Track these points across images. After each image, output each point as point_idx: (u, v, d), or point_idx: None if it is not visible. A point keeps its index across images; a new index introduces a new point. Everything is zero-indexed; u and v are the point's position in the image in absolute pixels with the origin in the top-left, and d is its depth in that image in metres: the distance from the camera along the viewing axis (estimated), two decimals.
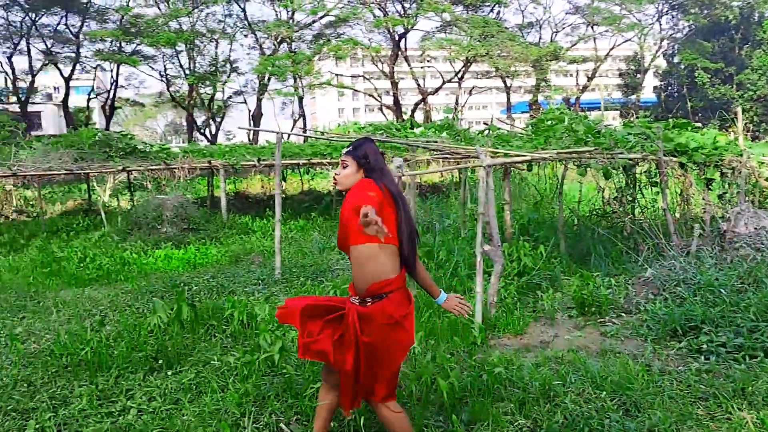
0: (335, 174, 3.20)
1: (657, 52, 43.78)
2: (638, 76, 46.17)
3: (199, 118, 42.15)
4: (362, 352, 2.97)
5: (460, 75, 38.58)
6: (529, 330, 5.65)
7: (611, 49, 41.66)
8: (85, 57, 36.48)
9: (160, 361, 4.86)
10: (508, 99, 43.44)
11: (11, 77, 36.39)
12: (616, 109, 42.60)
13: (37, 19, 33.28)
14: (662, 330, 5.19)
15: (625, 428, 3.41)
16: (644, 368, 4.18)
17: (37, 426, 3.91)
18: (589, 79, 41.71)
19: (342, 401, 3.12)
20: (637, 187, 8.47)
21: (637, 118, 11.60)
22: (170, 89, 38.43)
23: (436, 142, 8.28)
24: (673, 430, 3.44)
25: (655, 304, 5.69)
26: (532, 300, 6.44)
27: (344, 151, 3.22)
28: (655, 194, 8.43)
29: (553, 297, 6.39)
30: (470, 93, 42.84)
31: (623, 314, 5.88)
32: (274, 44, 36.69)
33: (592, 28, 39.98)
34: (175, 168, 13.93)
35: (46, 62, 35.51)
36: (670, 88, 46.20)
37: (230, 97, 42.83)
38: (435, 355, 4.47)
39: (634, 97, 45.33)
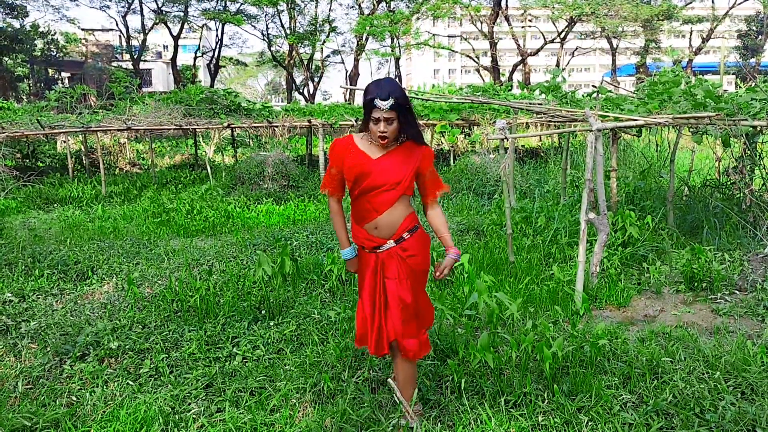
0: (381, 132, 2.93)
1: None
2: (759, 37, 42.63)
3: (298, 77, 42.95)
4: (408, 283, 3.14)
5: (562, 35, 37.02)
6: (633, 303, 5.44)
7: (731, 8, 38.57)
8: (193, 16, 37.90)
9: (264, 312, 5.05)
10: (614, 61, 41.41)
11: (125, 35, 38.35)
12: (733, 73, 39.64)
13: None
14: None
15: (741, 412, 3.22)
16: (763, 350, 3.92)
17: (152, 365, 4.17)
18: (704, 40, 38.92)
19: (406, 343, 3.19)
20: (759, 157, 7.87)
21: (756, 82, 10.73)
22: (271, 49, 39.27)
23: (540, 104, 7.99)
24: None
25: None
26: (637, 272, 6.18)
27: (385, 104, 2.89)
28: None
29: (660, 270, 6.10)
30: (572, 54, 41.17)
31: (737, 292, 5.54)
32: (372, 3, 36.53)
33: None
34: (277, 126, 14.27)
35: (157, 21, 37.07)
36: None
37: (328, 56, 43.34)
38: (535, 323, 4.39)
39: (753, 60, 41.96)
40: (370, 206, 3.07)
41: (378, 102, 2.89)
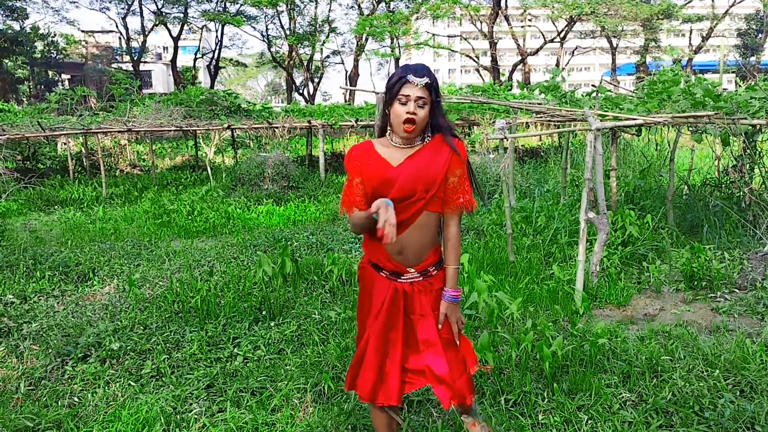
0: (410, 114, 2.41)
1: None
2: (759, 36, 42.60)
3: (298, 78, 42.98)
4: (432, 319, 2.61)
5: (562, 35, 37.02)
6: (633, 302, 5.45)
7: (730, 6, 38.52)
8: (192, 17, 37.91)
9: (264, 312, 5.07)
10: (614, 60, 41.41)
11: (125, 37, 38.40)
12: (732, 72, 39.61)
13: None
14: None
15: (740, 410, 3.23)
16: (762, 348, 3.93)
17: (153, 366, 4.18)
18: (704, 39, 38.89)
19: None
20: (758, 156, 7.89)
21: (756, 81, 10.73)
22: (271, 50, 39.30)
23: (539, 104, 8.00)
24: None
25: None
26: (637, 271, 6.19)
27: (419, 80, 2.41)
28: None
29: (660, 269, 6.11)
30: (572, 54, 41.16)
31: (737, 290, 5.55)
32: (372, 4, 36.55)
33: None
34: (277, 127, 14.29)
35: (157, 23, 37.09)
36: None
37: (328, 57, 43.35)
38: (535, 322, 4.41)
39: (753, 59, 41.91)
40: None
41: (412, 77, 2.41)
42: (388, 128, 2.55)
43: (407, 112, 2.40)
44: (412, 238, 2.51)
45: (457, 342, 2.64)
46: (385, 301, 2.56)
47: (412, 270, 2.56)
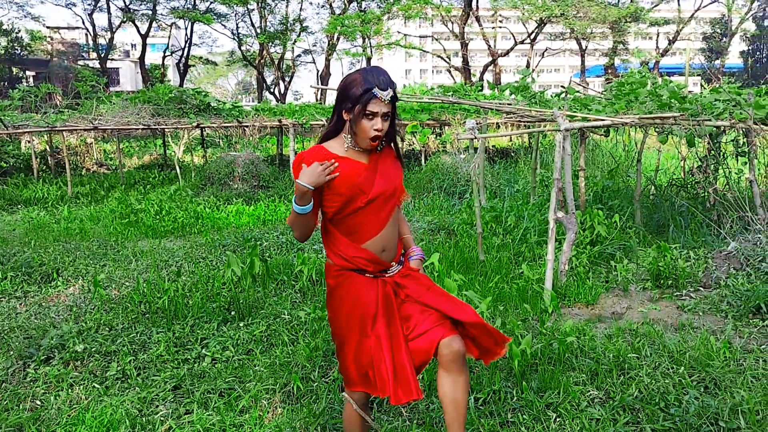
0: (378, 131, 2.42)
1: (746, 14, 41.08)
2: (724, 40, 43.61)
3: (269, 77, 42.71)
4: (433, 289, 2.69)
5: (532, 36, 37.41)
6: (601, 300, 5.51)
7: (696, 11, 39.37)
8: (161, 14, 37.42)
9: (233, 313, 5.01)
10: (583, 62, 41.97)
11: (92, 34, 37.75)
12: (698, 75, 40.50)
13: None
14: (744, 306, 4.95)
15: (704, 405, 3.28)
16: (725, 345, 4.01)
17: (119, 368, 4.10)
18: (671, 42, 39.66)
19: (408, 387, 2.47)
20: (722, 157, 8.06)
21: (720, 84, 10.96)
22: (241, 48, 39.00)
23: (509, 104, 8.07)
24: (758, 411, 3.28)
25: (737, 280, 5.42)
26: (605, 270, 6.27)
27: (386, 96, 2.39)
28: (741, 164, 8.00)
29: (627, 268, 6.19)
30: (542, 55, 41.62)
31: (702, 289, 5.65)
32: (344, 3, 36.49)
33: None
34: (247, 126, 14.16)
35: (124, 19, 36.52)
36: (758, 53, 43.51)
37: (299, 56, 43.20)
38: (504, 320, 4.43)
39: (718, 62, 42.89)
40: (376, 218, 2.54)
41: (379, 92, 2.38)
42: (347, 134, 2.51)
43: (375, 129, 2.42)
44: (391, 234, 2.60)
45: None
46: (379, 302, 2.53)
47: (394, 263, 2.65)
